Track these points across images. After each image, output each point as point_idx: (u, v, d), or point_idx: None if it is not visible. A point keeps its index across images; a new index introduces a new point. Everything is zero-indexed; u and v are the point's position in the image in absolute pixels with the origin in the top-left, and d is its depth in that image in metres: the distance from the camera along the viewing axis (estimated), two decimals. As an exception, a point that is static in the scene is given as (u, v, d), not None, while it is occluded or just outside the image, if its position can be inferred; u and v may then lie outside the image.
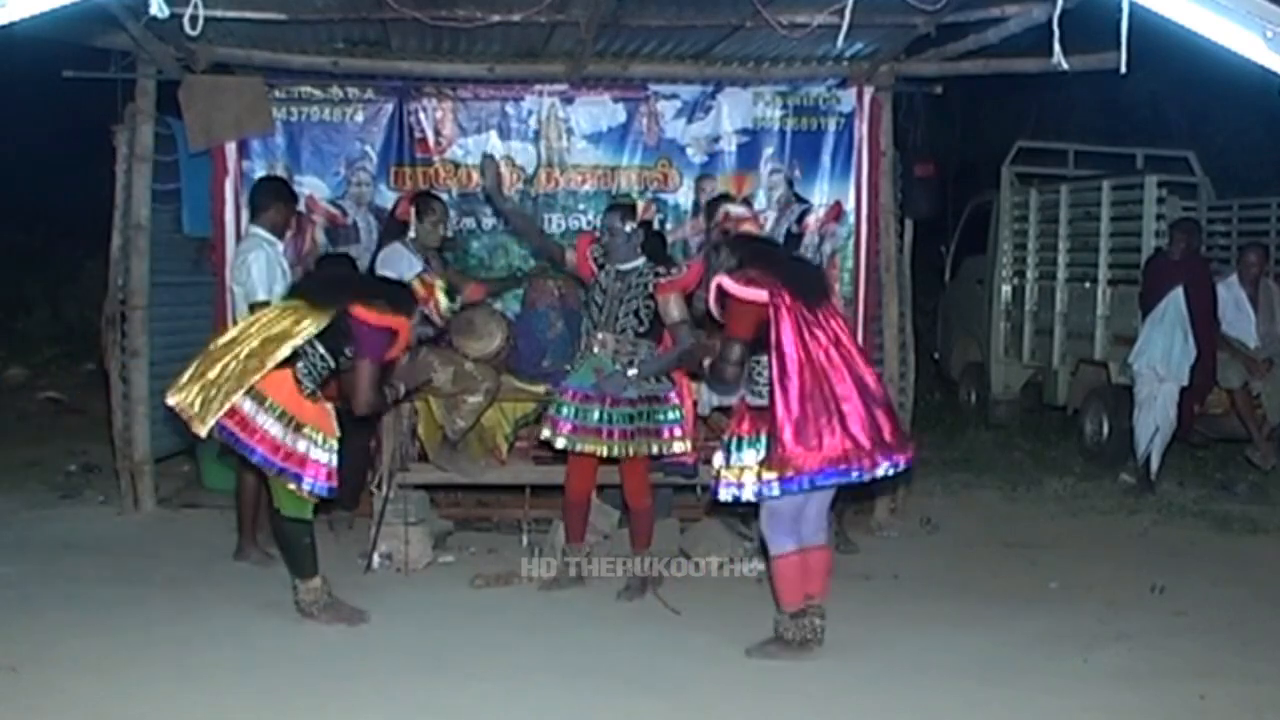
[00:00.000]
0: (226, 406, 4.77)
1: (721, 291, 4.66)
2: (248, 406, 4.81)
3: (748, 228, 4.96)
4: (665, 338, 5.52)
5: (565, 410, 5.46)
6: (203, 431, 4.83)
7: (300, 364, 4.91)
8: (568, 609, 5.43)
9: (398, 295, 5.10)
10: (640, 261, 5.48)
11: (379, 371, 5.02)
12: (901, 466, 4.66)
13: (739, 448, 4.66)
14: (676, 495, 6.63)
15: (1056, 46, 4.36)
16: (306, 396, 4.93)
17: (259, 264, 5.91)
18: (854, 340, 4.80)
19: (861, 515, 7.03)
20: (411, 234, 6.14)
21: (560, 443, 5.48)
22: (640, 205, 6.84)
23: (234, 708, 4.20)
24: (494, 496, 6.85)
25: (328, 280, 5.36)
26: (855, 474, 4.55)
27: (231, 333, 5.04)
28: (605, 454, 5.43)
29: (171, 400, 4.89)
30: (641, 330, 5.45)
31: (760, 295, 4.57)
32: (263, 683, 4.42)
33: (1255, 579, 6.11)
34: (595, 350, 5.47)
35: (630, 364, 5.43)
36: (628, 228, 5.44)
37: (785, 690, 4.46)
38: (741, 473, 4.62)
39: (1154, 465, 8.04)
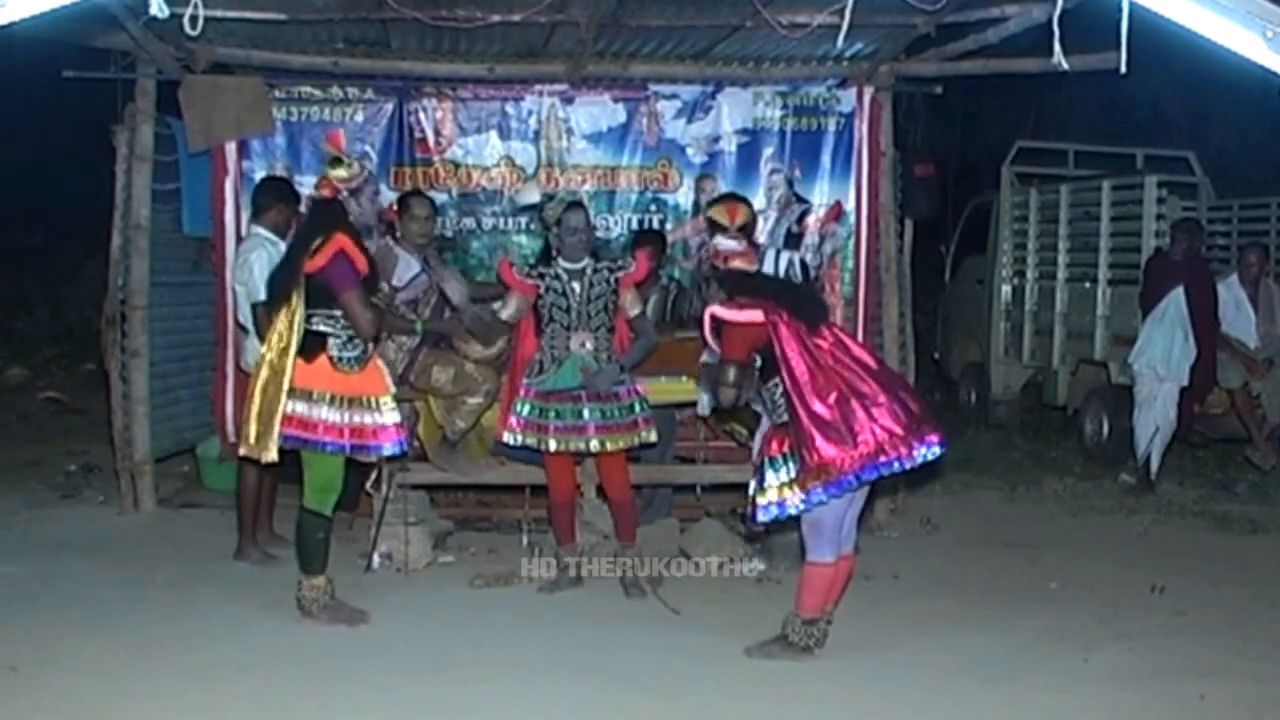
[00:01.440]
0: (277, 422, 4.84)
1: (716, 319, 4.68)
2: (299, 408, 4.89)
3: (738, 264, 4.86)
4: (620, 332, 5.66)
5: (553, 414, 5.48)
6: (273, 455, 4.89)
7: (331, 342, 4.98)
8: (567, 609, 5.43)
9: (319, 222, 5.05)
10: (588, 260, 5.56)
11: (363, 293, 5.02)
12: (938, 448, 4.56)
13: (774, 467, 4.60)
14: (676, 495, 6.64)
15: (1056, 46, 4.36)
16: (352, 368, 5.01)
17: (261, 264, 5.90)
18: (856, 340, 4.77)
19: (861, 515, 7.02)
20: (398, 233, 6.10)
21: (552, 445, 5.49)
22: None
23: (233, 707, 4.21)
24: (494, 496, 6.85)
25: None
26: (896, 464, 4.50)
27: (257, 368, 5.10)
28: (601, 449, 5.47)
29: (243, 452, 5.06)
30: (610, 326, 5.57)
31: (755, 316, 4.59)
32: (262, 682, 4.42)
33: (1255, 579, 6.11)
34: (574, 350, 5.50)
35: (610, 359, 5.51)
36: (589, 224, 5.60)
37: (785, 690, 4.46)
38: (781, 490, 4.57)
39: (1154, 465, 8.03)
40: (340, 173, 5.07)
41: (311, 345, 4.93)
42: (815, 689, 4.47)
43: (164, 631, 4.96)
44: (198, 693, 4.31)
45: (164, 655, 4.67)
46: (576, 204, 5.81)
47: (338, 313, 4.97)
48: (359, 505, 6.50)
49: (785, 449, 4.58)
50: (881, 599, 5.67)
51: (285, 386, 4.84)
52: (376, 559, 5.98)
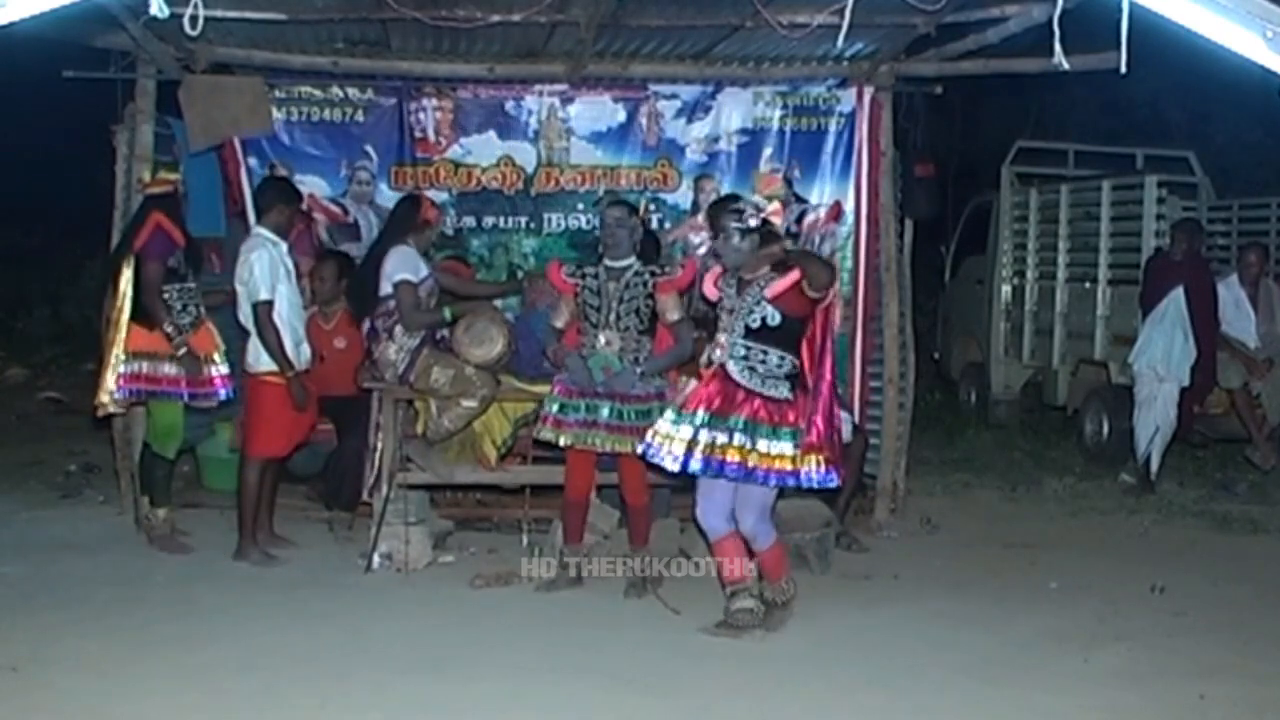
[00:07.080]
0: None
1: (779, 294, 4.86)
2: (144, 367, 6.03)
3: (773, 217, 4.98)
4: (661, 336, 5.60)
5: (571, 409, 5.49)
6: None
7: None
8: (567, 609, 5.43)
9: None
10: (633, 260, 5.55)
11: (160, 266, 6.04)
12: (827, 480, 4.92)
13: (775, 436, 4.83)
14: (676, 495, 6.63)
15: (1057, 46, 4.36)
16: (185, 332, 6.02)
17: (261, 263, 5.93)
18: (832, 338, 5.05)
19: (861, 515, 7.03)
20: (428, 231, 6.19)
21: (565, 439, 5.50)
22: (642, 205, 6.98)
23: (233, 707, 4.21)
24: (494, 496, 6.85)
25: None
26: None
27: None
28: (612, 449, 5.47)
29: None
30: (642, 328, 5.52)
31: (793, 274, 4.79)
32: (262, 682, 4.42)
33: (1255, 579, 6.11)
34: (599, 349, 5.50)
35: (636, 361, 5.49)
36: (628, 224, 5.55)
37: (785, 689, 4.46)
38: (792, 460, 4.81)
39: (1154, 465, 8.03)
40: (176, 175, 6.26)
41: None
42: (815, 688, 4.47)
43: (164, 631, 4.96)
44: (198, 693, 4.31)
45: (164, 655, 4.67)
46: (618, 200, 5.83)
47: (175, 286, 6.01)
48: (358, 505, 6.49)
49: (779, 421, 4.82)
50: (881, 599, 5.67)
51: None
52: (376, 559, 5.97)
